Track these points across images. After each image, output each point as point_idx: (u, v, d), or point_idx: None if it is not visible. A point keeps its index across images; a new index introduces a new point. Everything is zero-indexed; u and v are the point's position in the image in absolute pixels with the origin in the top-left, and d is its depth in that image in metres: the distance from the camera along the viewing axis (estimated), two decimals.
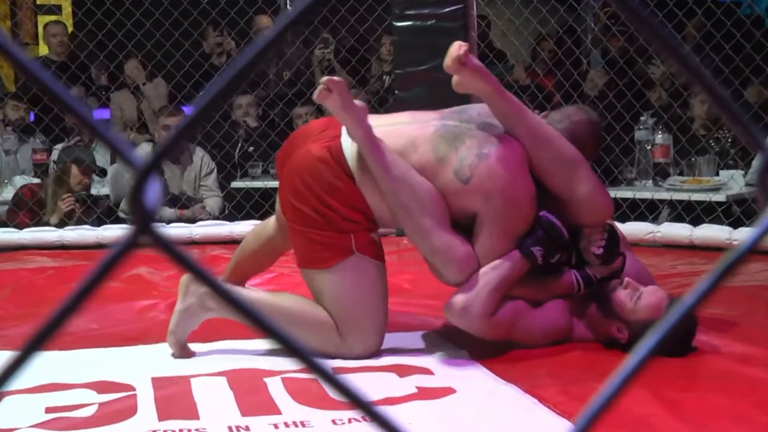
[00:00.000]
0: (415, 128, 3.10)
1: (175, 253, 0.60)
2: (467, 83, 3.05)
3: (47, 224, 5.57)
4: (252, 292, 3.20)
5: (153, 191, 0.59)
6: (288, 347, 0.62)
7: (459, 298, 3.00)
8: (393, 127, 3.10)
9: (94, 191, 5.96)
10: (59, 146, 6.29)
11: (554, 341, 3.14)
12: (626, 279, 3.11)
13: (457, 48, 3.02)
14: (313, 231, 3.03)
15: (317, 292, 3.10)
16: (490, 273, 3.00)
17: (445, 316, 3.08)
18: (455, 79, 3.07)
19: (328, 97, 2.92)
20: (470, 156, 3.00)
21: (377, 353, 3.10)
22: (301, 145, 3.11)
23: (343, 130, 3.04)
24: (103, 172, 5.91)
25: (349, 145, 3.02)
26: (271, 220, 3.51)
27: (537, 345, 3.10)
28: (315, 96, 2.96)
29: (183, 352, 3.13)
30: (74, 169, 5.64)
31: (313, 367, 0.62)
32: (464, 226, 3.04)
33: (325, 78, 2.97)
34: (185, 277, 3.12)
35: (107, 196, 6.16)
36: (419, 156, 3.03)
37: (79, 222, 5.53)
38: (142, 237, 0.59)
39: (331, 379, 0.63)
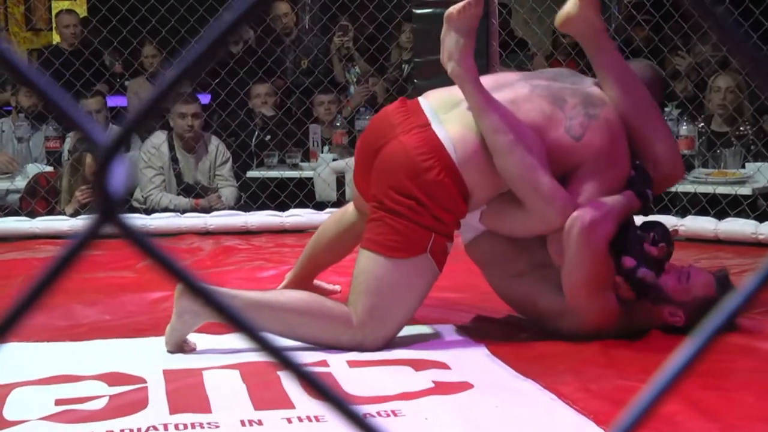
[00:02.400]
0: (507, 91, 3.09)
1: (140, 242, 0.56)
2: (583, 18, 3.15)
3: (61, 213, 5.53)
4: (254, 295, 3.08)
5: (118, 174, 0.54)
6: (257, 342, 0.60)
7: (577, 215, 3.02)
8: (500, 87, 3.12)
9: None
10: (72, 134, 6.25)
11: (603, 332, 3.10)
12: (667, 263, 3.12)
13: None
14: (398, 219, 3.00)
15: (364, 273, 3.04)
16: (608, 200, 3.04)
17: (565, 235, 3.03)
18: (570, 12, 3.16)
19: (472, 10, 2.99)
20: (579, 115, 3.06)
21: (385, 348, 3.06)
22: (389, 135, 3.06)
23: (431, 118, 3.04)
24: None
25: (445, 134, 3.00)
26: (351, 206, 3.50)
27: (593, 332, 3.07)
28: (460, 7, 3.00)
29: (186, 348, 3.07)
30: (89, 158, 5.60)
31: (286, 363, 0.60)
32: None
33: None
34: (178, 289, 3.03)
35: None
36: (524, 114, 3.03)
37: (93, 212, 5.49)
38: (105, 225, 0.55)
39: (302, 373, 0.60)
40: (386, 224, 3.01)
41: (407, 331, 3.27)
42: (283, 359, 0.60)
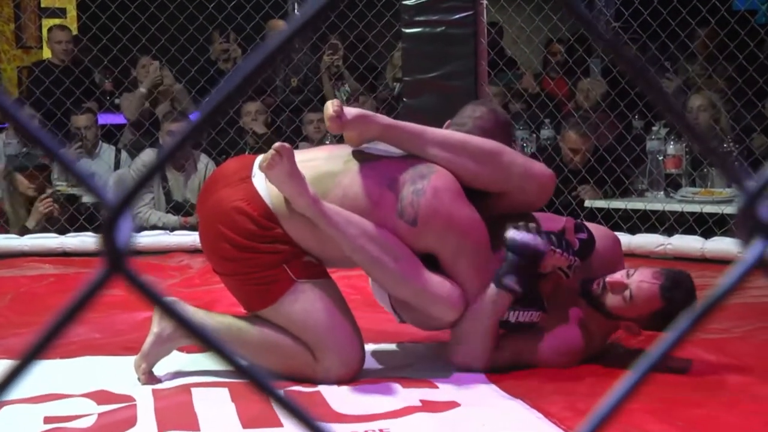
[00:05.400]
0: (333, 163, 2.97)
1: (147, 292, 0.60)
2: (357, 135, 2.97)
3: (11, 233, 5.54)
4: (227, 320, 3.05)
5: (126, 228, 0.58)
6: (248, 377, 0.64)
7: (458, 358, 3.01)
8: (311, 163, 2.96)
9: (87, 198, 5.92)
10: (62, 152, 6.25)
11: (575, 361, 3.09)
12: (607, 281, 3.02)
13: (330, 107, 2.91)
14: (244, 276, 2.93)
15: (284, 324, 2.97)
16: (476, 323, 2.97)
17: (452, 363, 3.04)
18: (345, 137, 2.99)
19: (279, 164, 2.78)
20: (408, 194, 2.91)
21: (358, 369, 3.00)
22: (216, 190, 2.98)
23: (255, 169, 2.93)
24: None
25: (264, 185, 2.90)
26: None
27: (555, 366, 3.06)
28: (265, 164, 2.80)
29: (149, 379, 3.00)
30: (19, 176, 5.62)
31: (273, 395, 0.64)
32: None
33: (277, 144, 2.82)
34: (157, 312, 3.04)
35: None
36: (351, 203, 2.90)
37: (52, 223, 5.51)
38: (114, 276, 0.59)
39: (285, 403, 0.64)
40: (242, 285, 2.97)
41: (395, 349, 3.29)
42: (255, 380, 0.64)
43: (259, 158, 2.91)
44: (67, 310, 0.60)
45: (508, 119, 3.43)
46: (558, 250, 2.95)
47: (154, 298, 0.61)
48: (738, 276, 0.63)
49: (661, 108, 0.65)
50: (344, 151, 3.04)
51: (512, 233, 2.96)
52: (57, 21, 8.58)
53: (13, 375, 0.60)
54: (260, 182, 2.91)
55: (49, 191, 5.67)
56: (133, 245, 0.60)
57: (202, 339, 0.62)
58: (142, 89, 6.83)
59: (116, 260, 0.59)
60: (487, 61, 5.29)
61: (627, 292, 2.98)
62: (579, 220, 3.19)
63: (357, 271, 3.21)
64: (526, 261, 2.95)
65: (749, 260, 0.63)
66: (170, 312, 0.62)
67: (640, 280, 2.99)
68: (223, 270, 3.00)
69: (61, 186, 5.90)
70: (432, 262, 2.95)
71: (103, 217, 0.59)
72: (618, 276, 3.02)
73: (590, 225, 3.20)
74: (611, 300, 3.01)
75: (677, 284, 2.98)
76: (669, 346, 0.65)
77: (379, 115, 3.03)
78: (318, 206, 2.83)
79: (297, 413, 0.64)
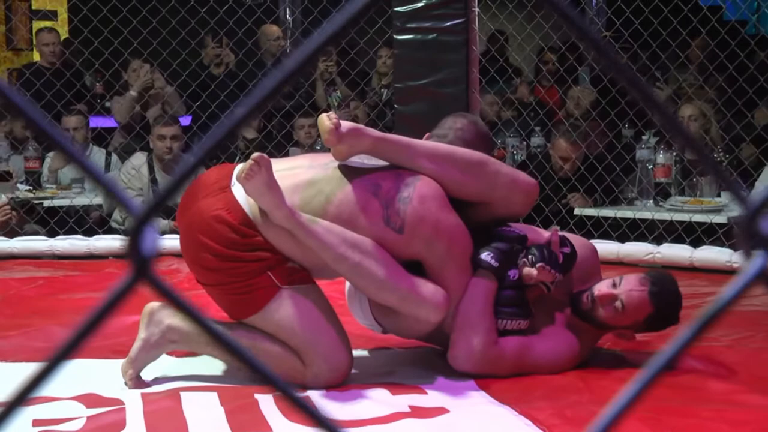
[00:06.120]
0: (315, 171, 2.97)
1: (172, 297, 0.64)
2: (348, 149, 2.95)
3: None
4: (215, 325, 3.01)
5: (150, 238, 0.62)
6: (265, 378, 0.66)
7: (458, 347, 2.99)
8: (292, 171, 2.97)
9: (86, 200, 5.92)
10: (51, 154, 6.25)
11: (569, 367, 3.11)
12: (596, 295, 3.06)
13: (327, 120, 2.92)
14: (228, 286, 2.92)
15: (272, 330, 2.96)
16: (471, 310, 2.98)
17: (455, 368, 3.02)
18: (334, 151, 2.97)
19: (257, 174, 2.77)
20: (393, 202, 2.93)
21: (347, 373, 3.00)
22: (196, 201, 2.96)
23: (234, 178, 2.91)
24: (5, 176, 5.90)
25: (243, 194, 2.88)
26: None
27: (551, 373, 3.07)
28: (243, 175, 2.79)
29: (136, 384, 3.00)
30: None
31: (286, 393, 0.67)
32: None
33: (255, 154, 2.82)
34: (149, 306, 3.04)
35: (100, 205, 6.11)
36: (336, 209, 2.90)
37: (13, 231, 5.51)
38: (139, 283, 0.63)
39: (293, 398, 0.68)
40: (227, 295, 2.95)
41: (384, 355, 3.29)
42: (275, 384, 0.66)
43: (238, 167, 2.90)
44: (95, 314, 0.63)
45: (488, 131, 3.46)
46: (548, 267, 2.97)
47: (177, 303, 0.64)
48: (739, 288, 0.64)
49: (658, 120, 0.65)
50: (326, 159, 3.03)
51: (498, 229, 3.06)
52: (48, 23, 8.57)
53: (39, 379, 0.63)
54: (239, 191, 2.90)
55: (7, 198, 5.65)
56: (156, 252, 0.63)
57: (226, 346, 0.66)
58: (133, 92, 6.83)
59: (142, 266, 0.63)
60: (479, 68, 5.30)
61: (618, 303, 3.03)
62: (562, 234, 3.20)
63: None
64: (504, 244, 3.02)
65: (751, 273, 0.64)
66: (193, 317, 0.65)
67: (629, 289, 3.03)
68: (207, 280, 2.99)
69: (51, 188, 5.88)
70: (415, 268, 2.96)
71: (129, 226, 0.63)
72: (605, 288, 3.06)
73: (569, 235, 3.23)
74: (603, 312, 3.05)
75: (663, 287, 3.06)
76: (669, 358, 0.65)
77: (368, 128, 3.03)
78: (296, 218, 2.82)
79: (322, 421, 0.68)
